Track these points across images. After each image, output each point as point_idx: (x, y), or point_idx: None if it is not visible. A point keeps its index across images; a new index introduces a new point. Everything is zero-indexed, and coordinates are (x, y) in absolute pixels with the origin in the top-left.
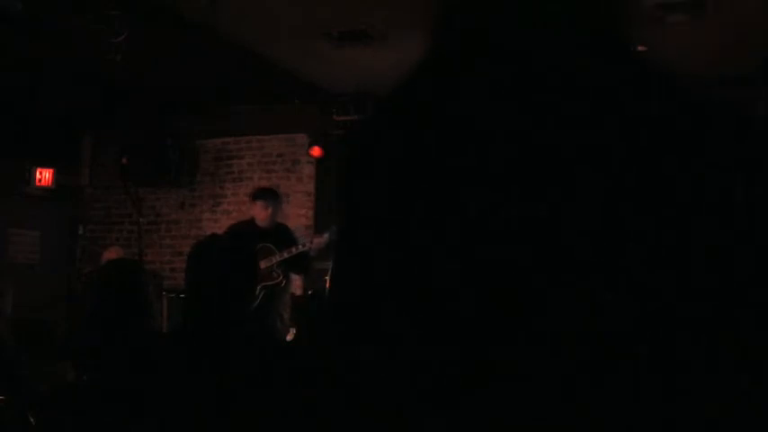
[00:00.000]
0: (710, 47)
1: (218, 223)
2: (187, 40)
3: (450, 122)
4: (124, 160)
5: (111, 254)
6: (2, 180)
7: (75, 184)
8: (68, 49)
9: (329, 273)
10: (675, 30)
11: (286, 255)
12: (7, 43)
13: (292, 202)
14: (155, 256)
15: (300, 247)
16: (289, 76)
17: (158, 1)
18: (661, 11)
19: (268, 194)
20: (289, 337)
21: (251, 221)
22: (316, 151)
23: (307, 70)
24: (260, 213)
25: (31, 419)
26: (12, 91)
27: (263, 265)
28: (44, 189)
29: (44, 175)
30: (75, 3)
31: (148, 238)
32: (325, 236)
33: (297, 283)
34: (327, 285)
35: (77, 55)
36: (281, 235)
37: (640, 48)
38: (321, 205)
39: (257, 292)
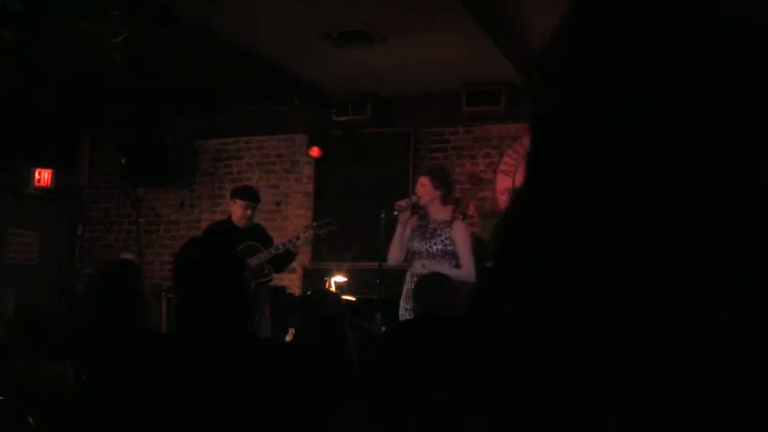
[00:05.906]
0: None
1: None
2: (187, 40)
3: None
4: (123, 160)
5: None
6: (1, 180)
7: (75, 185)
8: (68, 49)
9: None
10: None
11: (273, 251)
12: (7, 43)
13: (291, 203)
14: (154, 256)
15: (291, 247)
16: (288, 76)
17: (158, 1)
18: None
19: (250, 195)
20: (288, 338)
21: (228, 221)
22: (315, 152)
23: (306, 70)
24: (239, 213)
25: (31, 420)
26: (11, 91)
27: (252, 262)
28: (43, 189)
29: (43, 176)
30: (75, 3)
31: (147, 239)
32: (310, 232)
33: (296, 284)
34: (328, 285)
35: (77, 55)
36: (259, 234)
37: None
38: (320, 205)
39: (251, 288)
